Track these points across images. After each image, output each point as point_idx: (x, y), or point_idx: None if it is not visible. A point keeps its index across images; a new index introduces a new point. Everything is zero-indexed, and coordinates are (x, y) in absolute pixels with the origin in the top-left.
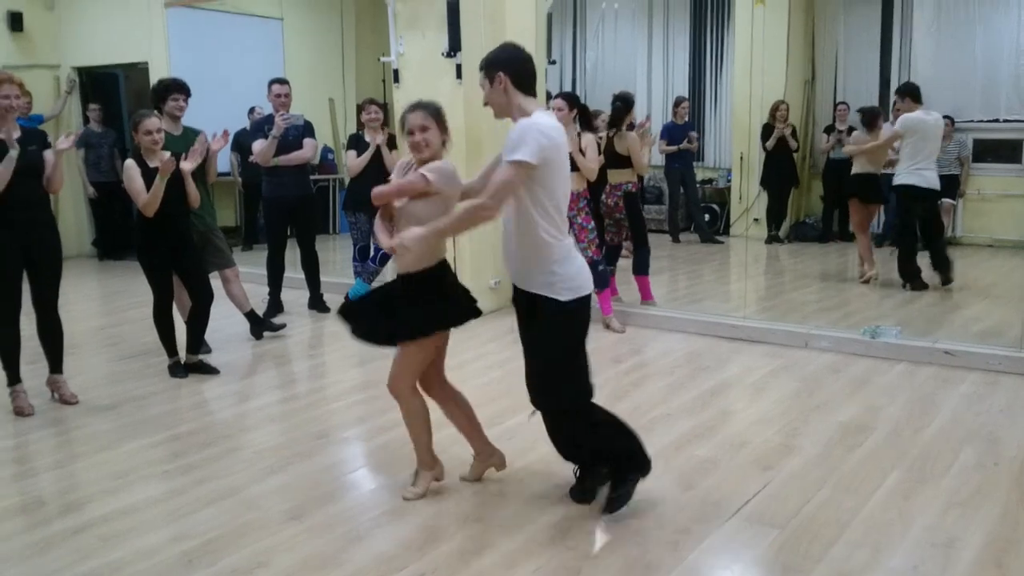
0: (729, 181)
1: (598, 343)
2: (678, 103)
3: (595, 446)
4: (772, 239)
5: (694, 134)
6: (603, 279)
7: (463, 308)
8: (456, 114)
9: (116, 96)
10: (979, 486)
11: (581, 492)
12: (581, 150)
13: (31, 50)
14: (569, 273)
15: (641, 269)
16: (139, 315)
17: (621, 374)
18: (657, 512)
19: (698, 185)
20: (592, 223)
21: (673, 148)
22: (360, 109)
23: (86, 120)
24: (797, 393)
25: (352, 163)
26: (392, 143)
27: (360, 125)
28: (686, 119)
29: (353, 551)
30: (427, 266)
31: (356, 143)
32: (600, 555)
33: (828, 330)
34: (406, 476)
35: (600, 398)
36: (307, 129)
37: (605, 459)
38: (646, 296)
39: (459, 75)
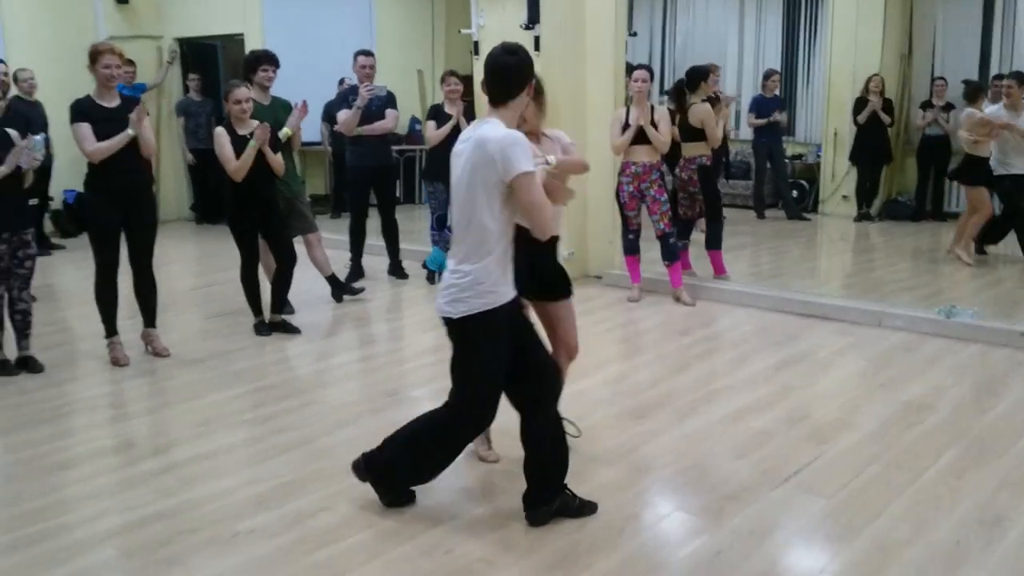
0: (819, 157)
1: (667, 316)
2: (768, 76)
3: None
4: (862, 217)
5: (782, 114)
6: (673, 252)
7: None
8: None
9: (215, 66)
10: None
11: None
12: (654, 123)
13: (136, 21)
14: None
15: (714, 243)
16: (230, 276)
17: (686, 346)
18: (706, 479)
19: (787, 160)
20: (664, 196)
21: (761, 121)
22: (441, 81)
23: (186, 89)
24: (863, 371)
25: (431, 133)
26: (470, 114)
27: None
28: (775, 92)
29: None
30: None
31: (436, 114)
32: (640, 514)
33: (902, 308)
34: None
35: (662, 369)
36: (390, 100)
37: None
38: (719, 271)
39: (537, 47)
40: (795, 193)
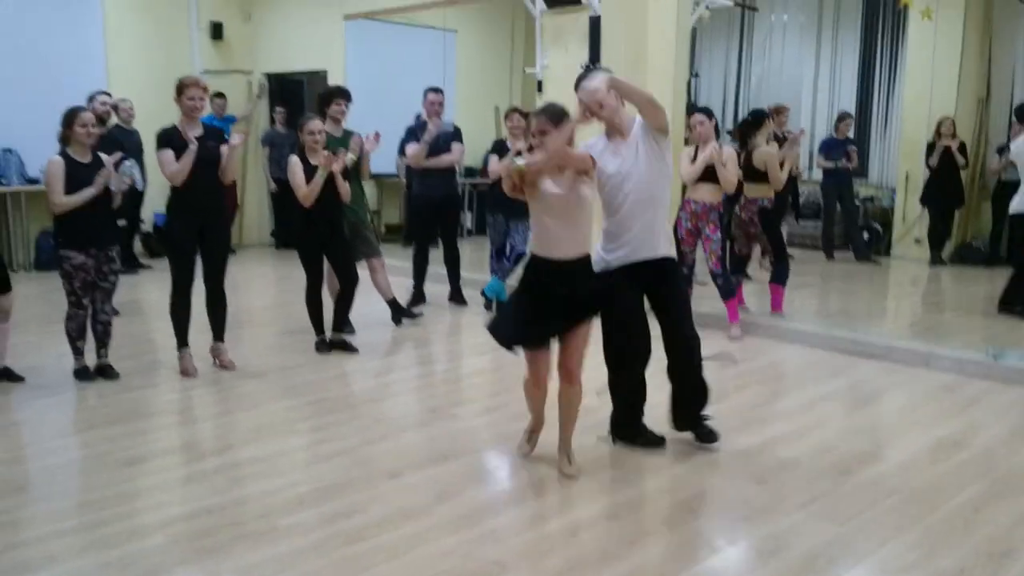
0: (893, 200)
1: (712, 347)
2: (841, 119)
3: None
4: (935, 261)
5: (853, 148)
6: (725, 290)
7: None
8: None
9: (300, 100)
10: None
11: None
12: (724, 163)
13: (228, 57)
14: None
15: (779, 278)
16: (300, 298)
17: (727, 378)
18: (723, 500)
19: (859, 203)
20: (718, 235)
21: (830, 164)
22: (506, 117)
23: (272, 121)
24: (902, 408)
25: (493, 166)
26: (531, 150)
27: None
28: (848, 135)
29: (439, 507)
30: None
31: (500, 149)
32: (656, 531)
33: (950, 350)
34: (499, 446)
35: None
36: (456, 134)
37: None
38: (776, 307)
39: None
40: (866, 235)
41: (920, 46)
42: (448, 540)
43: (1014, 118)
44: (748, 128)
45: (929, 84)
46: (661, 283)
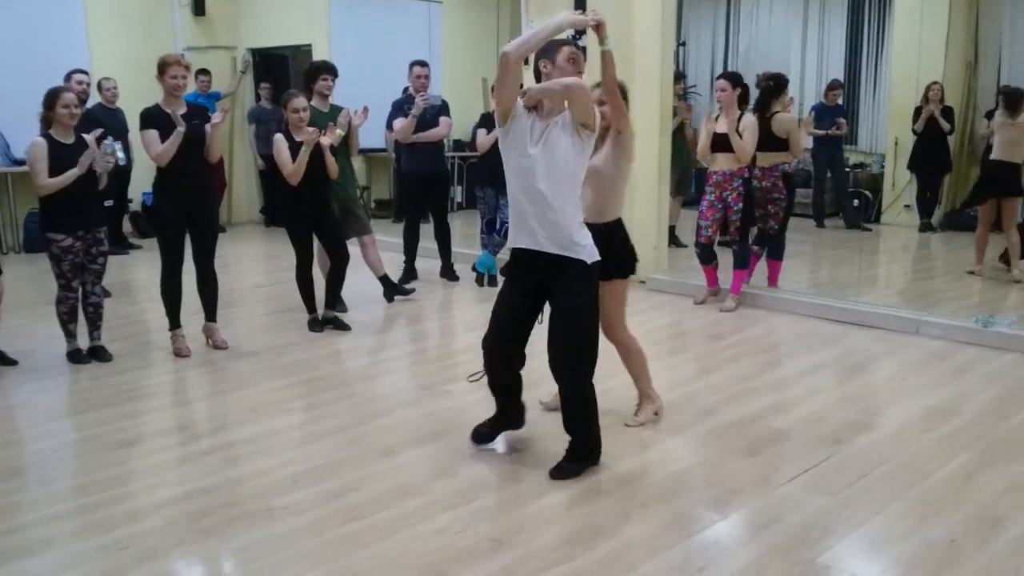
0: (883, 167)
1: (707, 320)
2: (831, 87)
3: (591, 418)
4: (925, 227)
5: (842, 120)
6: (743, 260)
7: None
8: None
9: (285, 76)
10: None
11: (488, 434)
12: (739, 131)
13: (212, 33)
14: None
15: (777, 254)
16: (291, 276)
17: (719, 349)
18: (716, 473)
19: (849, 170)
20: (741, 204)
21: (820, 132)
22: (492, 90)
23: (258, 98)
24: (892, 377)
25: (481, 139)
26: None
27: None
28: (837, 102)
29: (434, 485)
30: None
31: (486, 121)
32: (649, 504)
33: (940, 317)
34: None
35: (692, 371)
36: (444, 108)
37: (591, 434)
38: (772, 282)
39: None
40: (856, 202)
41: (907, 11)
42: (442, 517)
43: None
44: (768, 95)
45: (917, 49)
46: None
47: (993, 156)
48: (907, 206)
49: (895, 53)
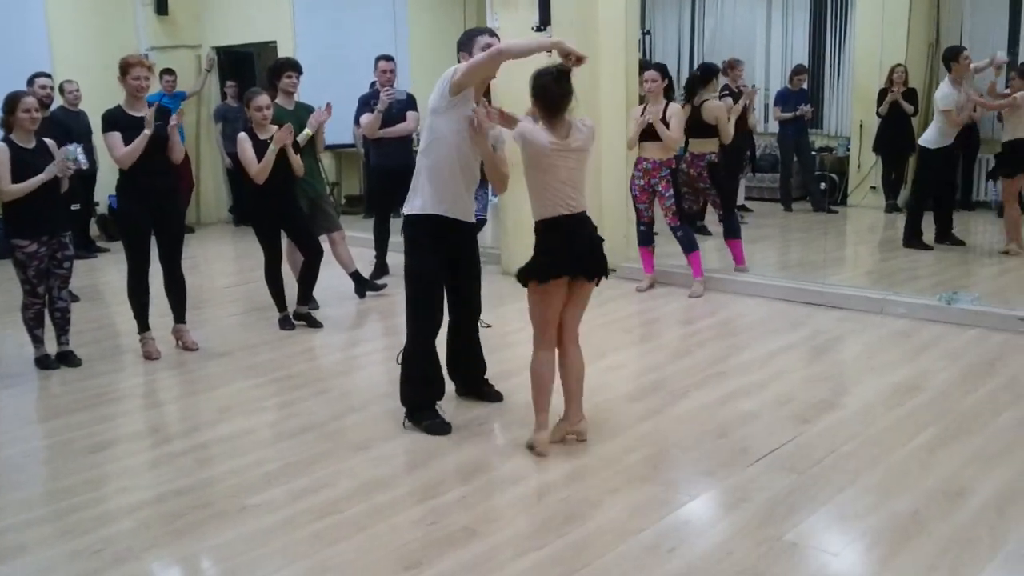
0: (848, 150)
1: (675, 306)
2: (796, 72)
3: None
4: (891, 208)
5: (807, 107)
6: (687, 243)
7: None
8: None
9: (251, 73)
10: (1009, 444)
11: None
12: (665, 120)
13: (175, 32)
14: None
15: (732, 233)
16: (261, 275)
17: (689, 334)
18: (686, 455)
19: (816, 153)
20: (671, 191)
21: (787, 115)
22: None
23: (223, 96)
24: (858, 355)
25: None
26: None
27: None
28: (802, 87)
29: (407, 477)
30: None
31: None
32: (621, 489)
33: (905, 296)
34: (464, 414)
35: (662, 356)
36: (410, 102)
37: None
38: (739, 261)
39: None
40: (824, 186)
41: None
42: (417, 509)
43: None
44: (695, 83)
45: (879, 32)
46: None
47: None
48: (873, 188)
49: (858, 36)
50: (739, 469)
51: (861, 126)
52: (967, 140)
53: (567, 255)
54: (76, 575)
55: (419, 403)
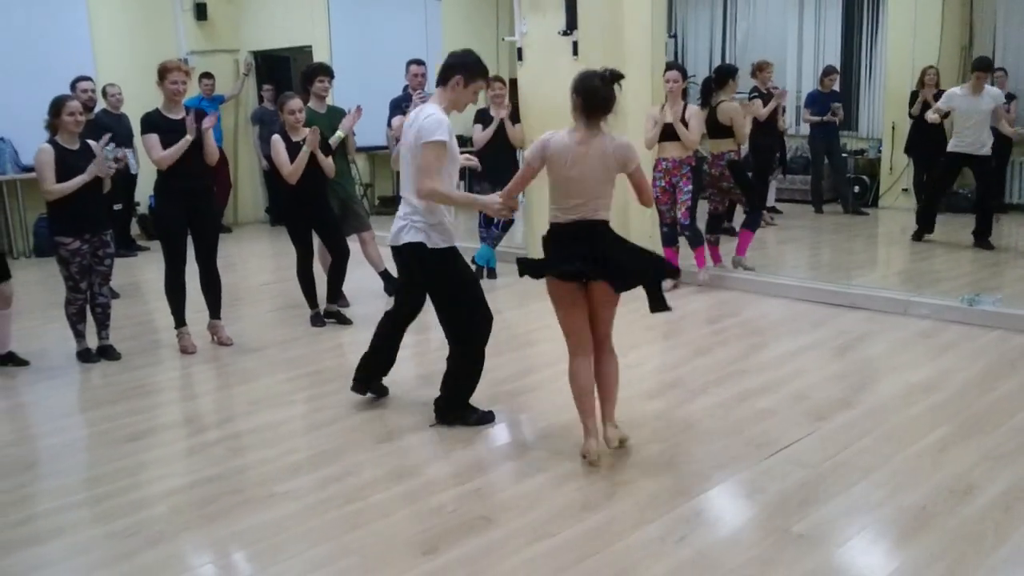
0: (880, 152)
1: (698, 305)
2: (826, 73)
3: None
4: None
5: (837, 106)
6: (696, 238)
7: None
8: None
9: (287, 77)
10: (1021, 444)
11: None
12: (684, 121)
13: (214, 37)
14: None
15: (749, 225)
16: (294, 274)
17: (710, 333)
18: (700, 450)
19: (848, 155)
20: (690, 187)
21: (816, 118)
22: (487, 86)
23: (260, 99)
24: (878, 356)
25: (477, 136)
26: (515, 117)
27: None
28: (833, 88)
29: (429, 468)
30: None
31: (482, 117)
32: (635, 481)
33: (928, 297)
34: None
35: (683, 354)
36: None
37: None
38: (740, 251)
39: (575, 52)
40: (856, 188)
41: None
42: (437, 497)
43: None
44: (717, 82)
45: (911, 34)
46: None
47: None
48: (905, 190)
49: (890, 38)
50: (752, 463)
51: (893, 128)
52: (999, 143)
53: (564, 258)
54: (112, 556)
55: (465, 404)
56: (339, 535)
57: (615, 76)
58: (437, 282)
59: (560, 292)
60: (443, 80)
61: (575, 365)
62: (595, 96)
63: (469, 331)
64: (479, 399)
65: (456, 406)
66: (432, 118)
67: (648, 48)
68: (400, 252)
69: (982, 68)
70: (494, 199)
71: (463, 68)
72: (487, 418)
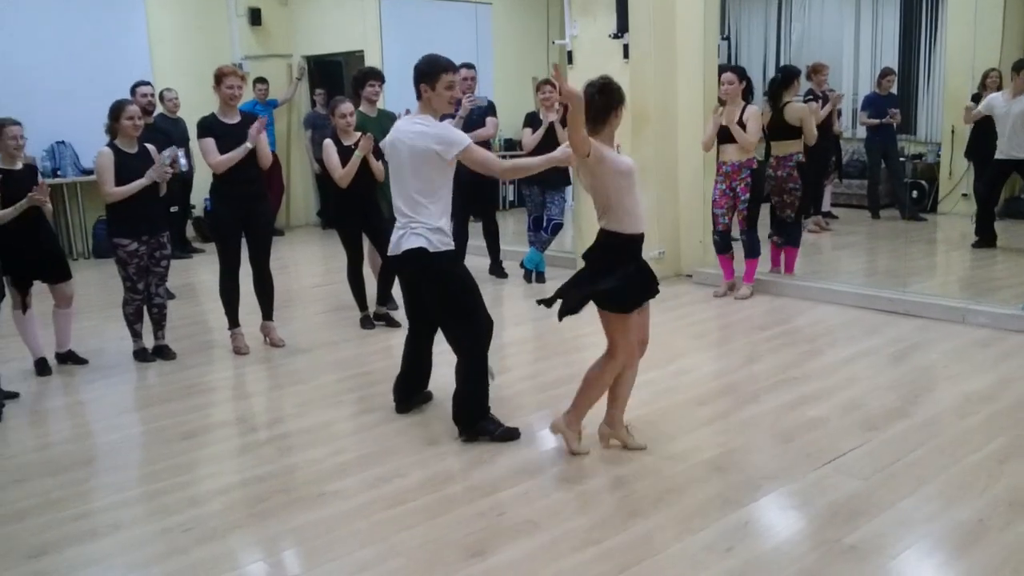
0: (939, 156)
1: (751, 312)
2: (883, 75)
3: None
4: None
5: (895, 111)
6: (753, 249)
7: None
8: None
9: (339, 82)
10: None
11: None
12: (742, 122)
13: (268, 42)
14: None
15: (793, 241)
16: (344, 276)
17: (762, 340)
18: (750, 458)
19: (906, 160)
20: (748, 195)
21: (875, 121)
22: (536, 89)
23: (313, 104)
24: (934, 364)
25: (527, 139)
26: (565, 120)
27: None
28: (891, 91)
29: (476, 471)
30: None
31: (532, 121)
32: (683, 488)
33: (986, 305)
34: (534, 413)
35: (734, 361)
36: (490, 109)
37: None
38: (789, 269)
39: (626, 55)
40: (914, 193)
41: None
42: (484, 501)
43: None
44: (778, 86)
45: (972, 35)
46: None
47: None
48: (964, 195)
49: (950, 40)
50: (803, 473)
51: (953, 132)
52: None
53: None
54: (165, 551)
55: (484, 413)
56: (387, 536)
57: (607, 83)
58: (439, 288)
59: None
60: (417, 96)
61: (627, 373)
62: (593, 106)
63: (472, 339)
64: (527, 404)
65: (475, 417)
66: (447, 130)
67: (701, 51)
68: (402, 261)
69: (1014, 69)
70: (565, 151)
71: (420, 76)
72: (512, 434)
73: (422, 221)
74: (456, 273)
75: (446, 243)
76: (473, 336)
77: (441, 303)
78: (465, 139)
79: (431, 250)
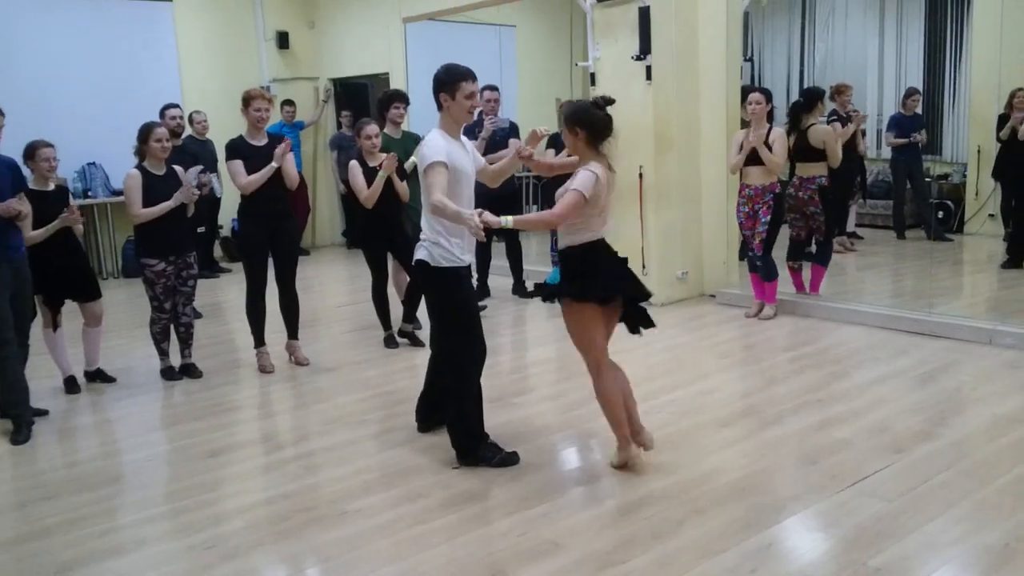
0: (965, 176)
1: (776, 332)
2: (908, 95)
3: None
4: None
5: (919, 134)
6: (770, 272)
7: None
8: (646, 112)
9: (365, 103)
10: None
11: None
12: (768, 144)
13: (295, 65)
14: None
15: (822, 260)
16: (369, 296)
17: (787, 361)
18: (774, 480)
19: (931, 180)
20: (768, 218)
21: (901, 141)
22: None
23: (339, 125)
24: (961, 386)
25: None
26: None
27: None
28: (916, 111)
29: (498, 490)
30: (570, 245)
31: (555, 142)
32: (706, 510)
33: (1014, 326)
34: (556, 433)
35: (758, 382)
36: (513, 130)
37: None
38: (814, 288)
39: (648, 76)
40: (940, 213)
41: (987, 14)
42: (505, 521)
43: None
44: (800, 109)
45: (998, 54)
46: None
47: None
48: (991, 215)
49: (975, 60)
50: (827, 495)
51: (979, 151)
52: None
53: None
54: (189, 568)
55: (478, 440)
56: (408, 555)
57: (608, 101)
58: (436, 301)
59: (596, 312)
60: (438, 107)
61: (610, 379)
62: (599, 123)
63: (462, 359)
64: (551, 425)
65: (469, 446)
66: (428, 146)
67: (723, 72)
68: (415, 272)
69: None
70: (471, 213)
71: (440, 85)
72: (511, 459)
73: (427, 235)
74: (452, 289)
75: (449, 259)
76: (462, 356)
77: (434, 316)
78: (432, 158)
79: (431, 264)
